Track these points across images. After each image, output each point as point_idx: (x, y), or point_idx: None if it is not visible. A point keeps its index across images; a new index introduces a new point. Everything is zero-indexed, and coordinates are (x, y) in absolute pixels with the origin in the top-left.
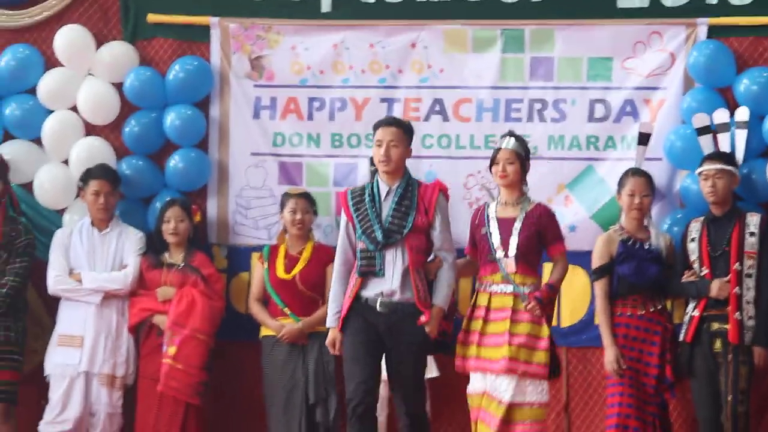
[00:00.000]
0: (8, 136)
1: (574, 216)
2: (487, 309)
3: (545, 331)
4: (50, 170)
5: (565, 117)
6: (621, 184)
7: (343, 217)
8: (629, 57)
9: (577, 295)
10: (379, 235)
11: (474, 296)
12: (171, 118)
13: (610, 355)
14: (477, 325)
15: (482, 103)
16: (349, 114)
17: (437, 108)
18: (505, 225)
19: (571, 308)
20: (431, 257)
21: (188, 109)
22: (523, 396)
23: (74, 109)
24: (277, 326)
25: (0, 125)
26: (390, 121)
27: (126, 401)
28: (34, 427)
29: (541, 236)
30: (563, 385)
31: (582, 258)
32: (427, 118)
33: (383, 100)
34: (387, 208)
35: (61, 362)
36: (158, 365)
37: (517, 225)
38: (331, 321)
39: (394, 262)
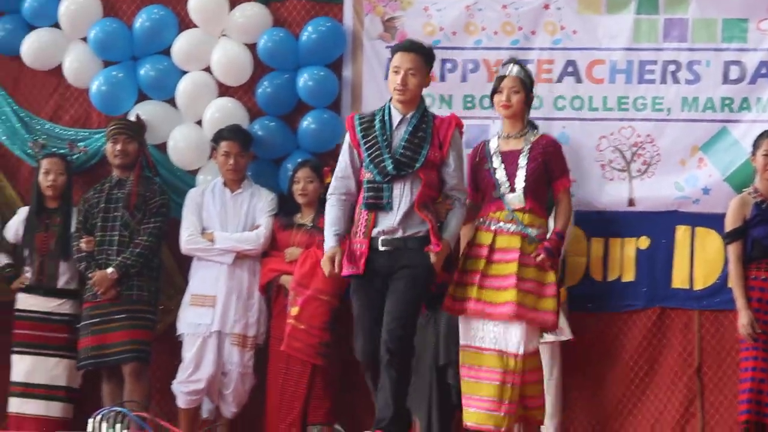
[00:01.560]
0: (143, 97)
1: (707, 178)
2: (491, 248)
3: (552, 276)
4: (184, 131)
5: (700, 79)
6: (756, 145)
7: (347, 143)
8: (765, 18)
9: (711, 258)
10: (389, 164)
11: (473, 234)
12: (304, 79)
13: (744, 318)
14: (478, 264)
15: (615, 64)
16: (481, 76)
17: (570, 70)
18: (509, 158)
19: (704, 271)
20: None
21: (321, 70)
22: (529, 344)
23: (208, 70)
24: None
25: (135, 86)
26: (410, 47)
27: (257, 361)
28: (167, 386)
29: (548, 168)
30: (695, 347)
31: (715, 221)
32: (559, 80)
33: None
34: (399, 137)
35: (193, 322)
36: (282, 325)
37: (523, 157)
38: (330, 241)
39: (402, 196)
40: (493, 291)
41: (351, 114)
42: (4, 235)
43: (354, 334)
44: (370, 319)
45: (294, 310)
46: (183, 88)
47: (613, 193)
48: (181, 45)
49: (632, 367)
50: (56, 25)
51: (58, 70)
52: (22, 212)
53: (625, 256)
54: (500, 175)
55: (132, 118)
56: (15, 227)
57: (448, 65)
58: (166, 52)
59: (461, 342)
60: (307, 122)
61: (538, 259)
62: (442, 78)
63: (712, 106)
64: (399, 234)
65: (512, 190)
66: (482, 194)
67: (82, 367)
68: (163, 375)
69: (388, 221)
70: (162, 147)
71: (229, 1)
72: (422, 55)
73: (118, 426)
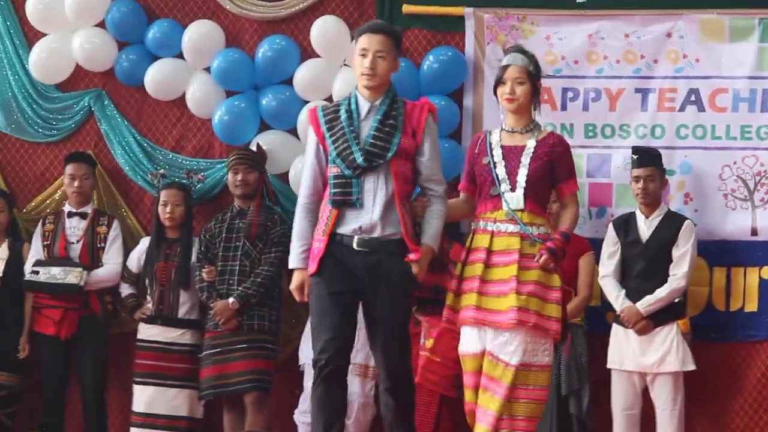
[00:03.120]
0: (264, 127)
1: None
2: (489, 251)
3: (556, 280)
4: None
5: None
6: None
7: (311, 138)
8: None
9: None
10: (358, 157)
11: (470, 238)
12: None
13: None
14: (476, 269)
15: (738, 93)
16: (603, 104)
17: (692, 98)
18: (511, 154)
19: None
20: (415, 195)
21: (442, 100)
22: (532, 356)
23: (329, 99)
24: None
25: (257, 115)
26: (378, 28)
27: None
28: (288, 415)
29: (553, 170)
30: None
31: None
32: (682, 109)
33: (638, 90)
34: (367, 127)
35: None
36: (415, 354)
37: (527, 154)
38: (296, 261)
39: (375, 191)
40: (494, 298)
41: (313, 107)
42: (128, 266)
43: (312, 336)
44: (338, 309)
45: (428, 343)
46: (305, 117)
47: (736, 222)
48: (303, 74)
49: (756, 398)
50: (180, 56)
51: (181, 100)
52: (144, 242)
53: (748, 286)
54: (500, 171)
55: (253, 147)
56: (137, 257)
57: (570, 94)
58: (288, 82)
59: (459, 350)
60: None
61: (541, 261)
62: (564, 107)
63: None
64: (377, 233)
65: (512, 189)
66: (480, 188)
67: (203, 397)
68: (283, 404)
69: (364, 219)
70: (283, 176)
71: (350, 31)
72: (391, 37)
73: None
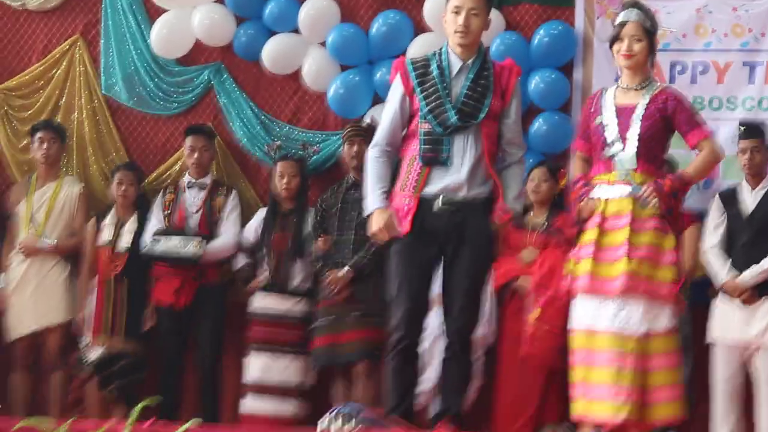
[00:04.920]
0: (378, 100)
1: None
2: (603, 216)
3: (670, 241)
4: None
5: None
6: None
7: (397, 89)
8: None
9: None
10: (451, 115)
11: (576, 198)
12: (535, 82)
13: None
14: (592, 234)
15: None
16: (711, 78)
17: None
18: (624, 114)
19: None
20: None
21: (552, 73)
22: (654, 322)
23: None
24: None
25: (371, 89)
26: None
27: (486, 360)
28: None
29: (670, 125)
30: None
31: None
32: None
33: (745, 63)
34: (459, 85)
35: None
36: (521, 326)
37: (639, 112)
38: (377, 201)
39: (465, 150)
40: (608, 264)
41: (401, 58)
42: (245, 236)
43: (392, 299)
44: (418, 281)
45: (535, 312)
46: None
47: None
48: (417, 49)
49: None
50: (296, 31)
51: (296, 74)
52: (261, 213)
53: None
54: (611, 131)
55: (367, 120)
56: (254, 228)
57: (678, 67)
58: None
59: (570, 326)
60: (538, 124)
61: (645, 194)
62: (672, 80)
63: None
64: (463, 192)
65: (624, 149)
66: (593, 149)
67: (316, 366)
68: None
69: (451, 178)
70: None
71: None
72: None
73: (352, 421)
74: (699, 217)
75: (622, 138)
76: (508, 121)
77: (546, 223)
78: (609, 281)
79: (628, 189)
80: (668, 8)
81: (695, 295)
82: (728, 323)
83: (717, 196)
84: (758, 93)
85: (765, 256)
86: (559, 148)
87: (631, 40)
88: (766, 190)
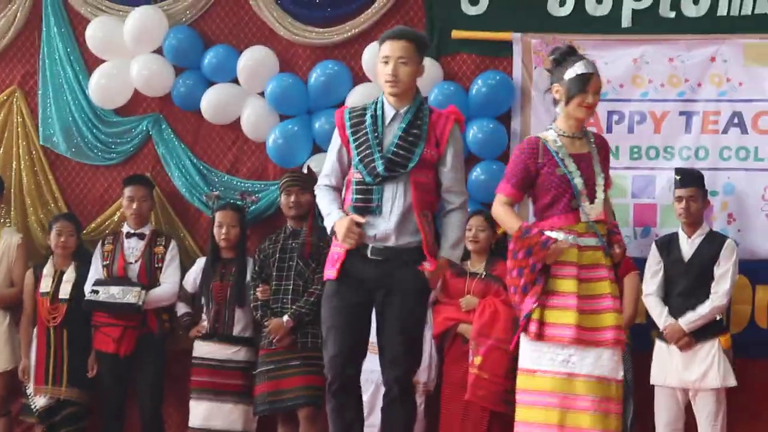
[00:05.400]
0: (317, 150)
1: None
2: (578, 266)
3: (617, 288)
4: None
5: None
6: None
7: (335, 139)
8: None
9: None
10: (379, 165)
11: (533, 243)
12: (473, 132)
13: None
14: (569, 285)
15: None
16: (648, 127)
17: (736, 121)
18: (583, 163)
19: None
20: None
21: (490, 123)
22: (618, 369)
23: None
24: None
25: (310, 139)
26: (399, 34)
27: (428, 406)
28: None
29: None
30: None
31: None
32: (725, 131)
33: (682, 113)
34: (391, 134)
35: (367, 368)
36: (463, 373)
37: (596, 162)
38: (335, 214)
39: (394, 199)
40: (595, 315)
41: (341, 108)
42: (184, 285)
43: (323, 343)
44: (346, 324)
45: (477, 360)
46: None
47: None
48: (356, 98)
49: None
50: (235, 81)
51: (236, 123)
52: (200, 262)
53: None
54: (578, 182)
55: (304, 170)
56: (193, 277)
57: (615, 117)
58: (341, 106)
59: (527, 366)
60: (476, 173)
61: (620, 252)
62: (609, 129)
63: None
64: (392, 242)
65: (591, 200)
66: (553, 201)
67: (259, 413)
68: None
69: (380, 227)
70: None
71: None
72: (413, 41)
73: None
74: (638, 265)
75: (589, 189)
76: (444, 169)
77: (485, 272)
78: (598, 331)
79: (594, 240)
80: (606, 59)
81: (637, 341)
82: (669, 367)
83: (654, 244)
84: (695, 142)
85: (701, 303)
86: None
87: (595, 95)
88: (701, 237)
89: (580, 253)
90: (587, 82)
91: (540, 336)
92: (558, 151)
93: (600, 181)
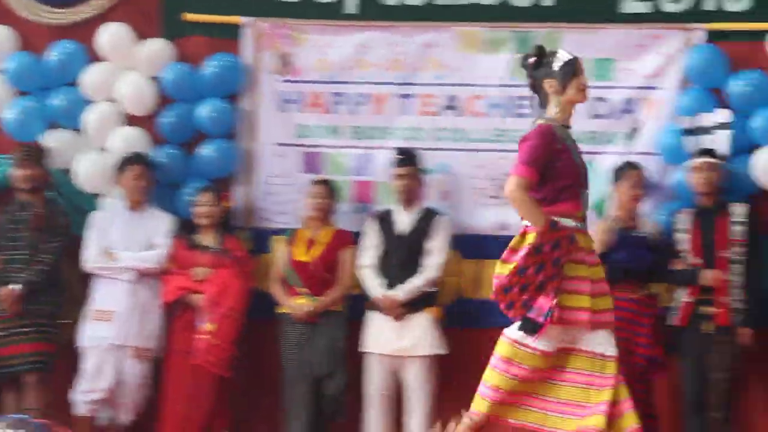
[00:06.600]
0: (54, 125)
1: None
2: (586, 251)
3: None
4: (90, 157)
5: None
6: (618, 176)
7: None
8: (630, 59)
9: None
10: None
11: (561, 236)
12: (204, 111)
13: None
14: (583, 270)
15: (493, 99)
16: (369, 108)
17: (451, 103)
18: (579, 152)
19: None
20: None
21: (220, 103)
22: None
23: (113, 101)
24: (292, 305)
25: (46, 115)
26: None
27: (153, 372)
28: (66, 396)
29: None
30: None
31: None
32: (441, 113)
33: (402, 96)
34: None
35: (94, 335)
36: (190, 340)
37: (581, 151)
38: None
39: None
40: (602, 298)
41: None
42: None
43: None
44: None
45: (209, 327)
46: (90, 117)
47: (487, 218)
48: (90, 77)
49: None
50: None
51: None
52: None
53: None
54: (583, 171)
55: (38, 144)
56: None
57: (339, 98)
58: (76, 84)
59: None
60: (205, 150)
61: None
62: (333, 110)
63: (579, 140)
64: None
65: (587, 187)
66: (563, 184)
67: None
68: (63, 385)
69: None
70: (69, 172)
71: (135, 37)
72: None
73: (22, 430)
74: (355, 239)
75: (585, 179)
76: None
77: (216, 245)
78: (604, 314)
79: (586, 225)
80: (331, 43)
81: (351, 310)
82: (381, 336)
83: (371, 218)
84: (413, 123)
85: (415, 275)
86: (224, 173)
87: (585, 77)
88: (417, 213)
89: (587, 239)
90: (576, 65)
91: (561, 320)
92: (565, 138)
93: (588, 170)
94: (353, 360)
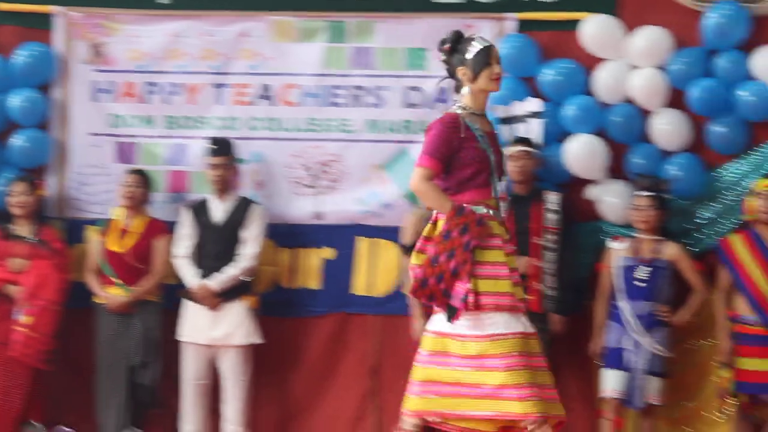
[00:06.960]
0: None
1: (389, 195)
2: (501, 238)
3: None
4: None
5: (384, 103)
6: None
7: None
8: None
9: (389, 268)
10: None
11: (469, 220)
12: (15, 101)
13: (418, 325)
14: (500, 256)
15: (307, 88)
16: (183, 98)
17: (265, 93)
18: (492, 141)
19: (383, 279)
20: None
21: (31, 92)
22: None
23: None
24: (107, 296)
25: None
26: None
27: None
28: None
29: None
30: (374, 350)
31: (394, 233)
32: (255, 103)
33: (215, 85)
34: None
35: None
36: (6, 331)
37: (499, 140)
38: None
39: None
40: (518, 288)
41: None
42: None
43: None
44: None
45: (27, 320)
46: None
47: (301, 207)
48: None
49: (316, 367)
50: None
51: None
52: None
53: (311, 266)
54: (493, 159)
55: None
56: None
57: (153, 87)
58: None
59: (478, 332)
60: (16, 140)
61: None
62: (146, 100)
63: (394, 129)
64: None
65: (500, 177)
66: (470, 176)
67: None
68: None
69: None
70: None
71: None
72: None
73: None
74: (170, 229)
75: (499, 167)
76: None
77: (32, 236)
78: (521, 303)
79: (500, 214)
80: (144, 32)
81: (166, 300)
82: (196, 325)
83: (185, 208)
84: (227, 113)
85: (230, 264)
86: (37, 163)
87: (498, 65)
88: (232, 202)
89: (500, 227)
90: (489, 54)
91: (478, 306)
92: (472, 126)
93: (504, 159)
94: (170, 349)
